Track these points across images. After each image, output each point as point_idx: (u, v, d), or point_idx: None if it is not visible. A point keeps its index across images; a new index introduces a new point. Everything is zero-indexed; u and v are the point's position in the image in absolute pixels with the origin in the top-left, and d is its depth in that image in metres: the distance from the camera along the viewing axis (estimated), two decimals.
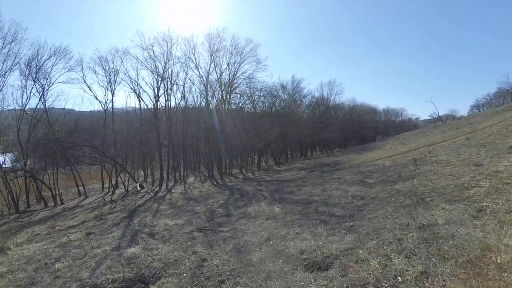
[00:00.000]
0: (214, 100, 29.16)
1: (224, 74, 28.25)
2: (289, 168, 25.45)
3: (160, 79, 26.74)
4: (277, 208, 7.20)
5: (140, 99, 28.29)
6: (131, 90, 28.05)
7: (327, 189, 8.79)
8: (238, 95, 30.28)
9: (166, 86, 27.62)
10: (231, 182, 19.66)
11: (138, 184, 23.71)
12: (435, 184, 6.64)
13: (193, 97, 41.00)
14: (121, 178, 25.04)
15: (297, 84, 38.52)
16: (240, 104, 31.80)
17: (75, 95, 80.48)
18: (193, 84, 28.96)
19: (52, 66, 24.03)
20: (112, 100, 28.26)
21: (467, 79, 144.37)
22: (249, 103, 31.76)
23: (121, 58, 27.00)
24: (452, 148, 12.64)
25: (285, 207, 7.31)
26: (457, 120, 45.84)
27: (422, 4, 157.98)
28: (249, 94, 30.05)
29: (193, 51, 27.45)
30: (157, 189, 22.82)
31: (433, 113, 67.47)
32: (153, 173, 31.15)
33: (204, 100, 27.91)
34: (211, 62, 27.41)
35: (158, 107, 28.51)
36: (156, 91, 27.25)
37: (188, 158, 38.50)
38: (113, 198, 20.28)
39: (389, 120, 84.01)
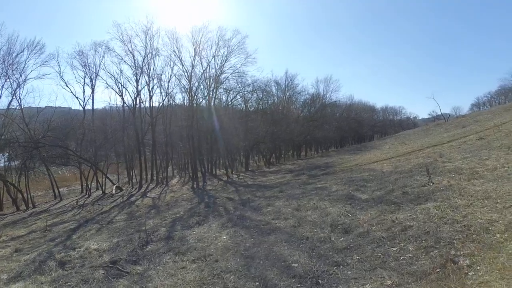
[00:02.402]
0: (198, 96, 27.54)
1: (209, 68, 26.57)
2: (278, 169, 23.95)
3: (139, 71, 25.17)
4: (224, 237, 5.53)
5: (121, 95, 26.73)
6: (109, 86, 26.26)
7: (302, 208, 6.88)
8: (226, 91, 28.65)
9: (147, 80, 26.10)
10: (211, 186, 18.27)
11: (115, 186, 22.33)
12: (467, 217, 4.15)
13: (181, 93, 39.42)
14: (97, 180, 23.68)
15: (290, 80, 36.91)
16: (228, 101, 30.20)
17: (49, 92, 77.95)
18: (179, 80, 27.21)
19: (26, 61, 22.58)
20: (92, 97, 26.80)
21: (466, 78, 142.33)
22: (239, 98, 30.09)
23: (98, 53, 25.47)
24: (468, 150, 10.43)
25: (237, 234, 5.61)
26: (461, 118, 43.23)
27: (422, 0, 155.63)
28: (237, 90, 28.41)
29: (176, 44, 25.82)
30: (134, 192, 21.47)
31: (433, 111, 65.90)
32: (135, 173, 29.79)
33: (187, 96, 26.30)
34: (195, 55, 25.73)
35: (141, 104, 27.02)
36: (135, 84, 25.73)
37: (179, 157, 37.05)
38: (86, 202, 18.99)
39: (387, 118, 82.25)
